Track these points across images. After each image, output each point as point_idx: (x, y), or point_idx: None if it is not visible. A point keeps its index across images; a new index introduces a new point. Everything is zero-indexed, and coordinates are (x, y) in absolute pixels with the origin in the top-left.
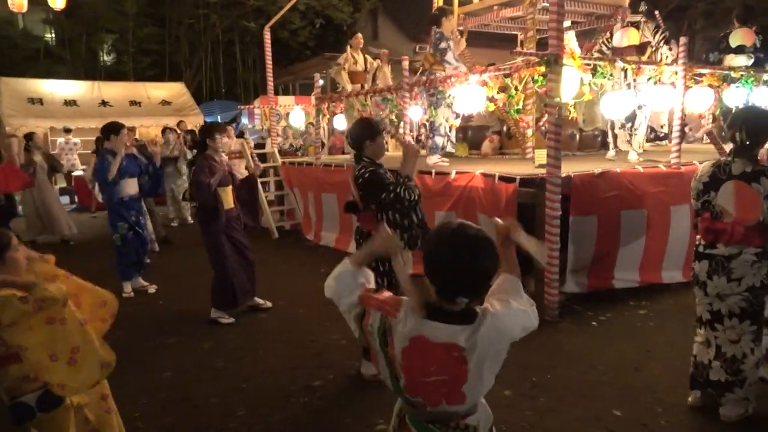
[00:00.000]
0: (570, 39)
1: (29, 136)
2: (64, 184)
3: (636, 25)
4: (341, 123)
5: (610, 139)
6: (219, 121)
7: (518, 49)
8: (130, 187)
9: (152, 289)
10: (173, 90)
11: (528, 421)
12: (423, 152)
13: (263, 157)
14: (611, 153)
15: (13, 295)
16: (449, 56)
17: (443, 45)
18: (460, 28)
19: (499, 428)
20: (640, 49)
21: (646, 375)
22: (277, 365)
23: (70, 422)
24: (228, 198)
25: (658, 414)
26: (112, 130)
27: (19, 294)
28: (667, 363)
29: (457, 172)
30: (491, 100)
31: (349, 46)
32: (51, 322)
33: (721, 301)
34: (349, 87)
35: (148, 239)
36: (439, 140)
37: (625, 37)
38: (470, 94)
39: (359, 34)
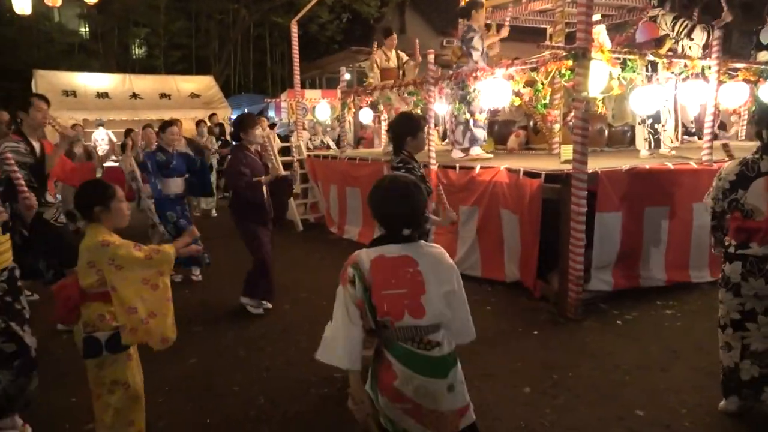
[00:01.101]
0: (600, 32)
1: (72, 128)
2: (99, 175)
3: (654, 18)
4: (367, 117)
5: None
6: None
7: (547, 42)
8: (176, 185)
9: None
10: (202, 83)
11: (547, 419)
12: (446, 144)
13: (287, 150)
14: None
15: (129, 243)
16: (476, 53)
17: (472, 37)
18: (488, 21)
19: (517, 426)
20: (659, 42)
21: (672, 376)
22: (298, 356)
23: (132, 370)
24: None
25: (683, 415)
26: (160, 126)
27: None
28: (693, 364)
29: (481, 167)
30: (517, 94)
31: (377, 44)
32: (145, 282)
33: (759, 300)
34: (376, 81)
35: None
36: (479, 132)
37: (643, 32)
38: (496, 89)
39: (395, 35)
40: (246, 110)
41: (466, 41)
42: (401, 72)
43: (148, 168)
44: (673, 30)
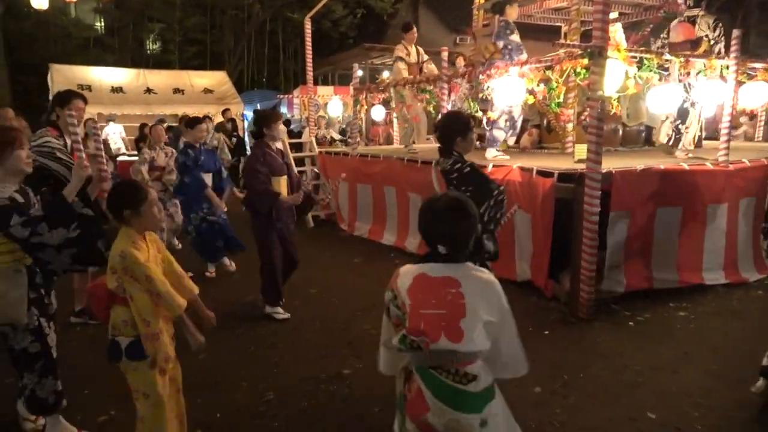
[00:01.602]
0: (616, 31)
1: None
2: (111, 169)
3: (692, 19)
4: (379, 114)
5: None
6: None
7: (561, 40)
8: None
9: (232, 267)
10: (215, 79)
11: (558, 419)
12: None
13: (299, 147)
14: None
15: (147, 267)
16: (523, 55)
17: (514, 38)
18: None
19: (527, 426)
20: (695, 43)
21: (683, 378)
22: (308, 353)
23: (153, 379)
24: (281, 188)
25: (694, 418)
26: (187, 123)
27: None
28: (705, 366)
29: (494, 166)
30: (531, 92)
31: (402, 40)
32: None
33: None
34: (406, 73)
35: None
36: (498, 133)
37: (679, 32)
38: (510, 86)
39: (414, 29)
40: (258, 106)
41: (505, 38)
42: (420, 68)
43: (185, 165)
44: (714, 31)
